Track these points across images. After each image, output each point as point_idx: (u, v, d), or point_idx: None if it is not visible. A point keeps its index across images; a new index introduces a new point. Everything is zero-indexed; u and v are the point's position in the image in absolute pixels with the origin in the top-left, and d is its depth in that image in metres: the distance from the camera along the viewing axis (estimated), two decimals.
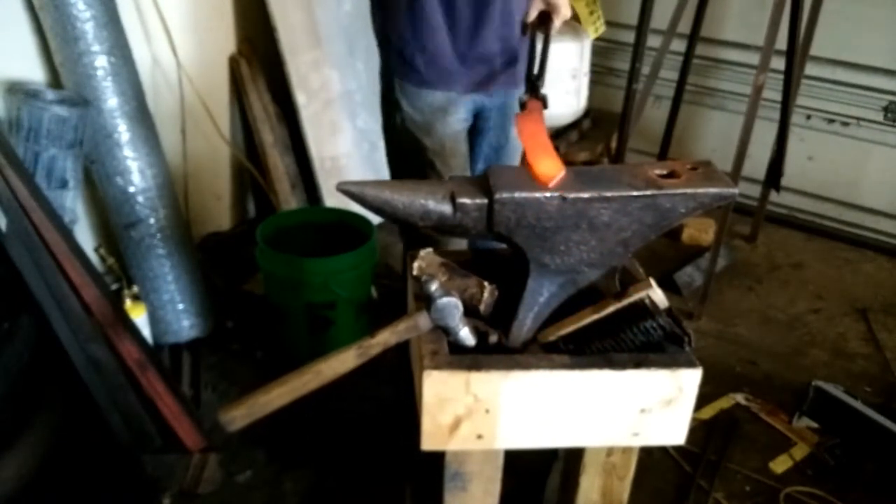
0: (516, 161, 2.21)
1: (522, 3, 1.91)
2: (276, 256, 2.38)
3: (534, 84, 1.64)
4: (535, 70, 1.67)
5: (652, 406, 1.26)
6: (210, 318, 2.60)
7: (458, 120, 2.01)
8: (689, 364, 1.24)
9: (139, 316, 2.32)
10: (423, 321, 1.25)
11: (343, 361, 1.23)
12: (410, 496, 1.97)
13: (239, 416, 1.21)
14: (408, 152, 2.03)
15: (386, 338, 1.25)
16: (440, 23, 1.87)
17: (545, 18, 1.81)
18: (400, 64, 1.94)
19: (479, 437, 1.26)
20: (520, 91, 1.90)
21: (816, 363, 2.72)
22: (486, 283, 1.33)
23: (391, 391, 2.29)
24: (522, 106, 1.59)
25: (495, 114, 2.09)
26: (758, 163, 3.36)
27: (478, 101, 2.04)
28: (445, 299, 1.23)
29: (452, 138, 2.01)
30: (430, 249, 1.43)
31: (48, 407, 1.88)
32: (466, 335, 1.26)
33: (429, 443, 1.26)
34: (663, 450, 2.23)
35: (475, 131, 2.12)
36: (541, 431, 1.27)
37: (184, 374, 2.44)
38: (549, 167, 1.24)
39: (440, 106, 1.96)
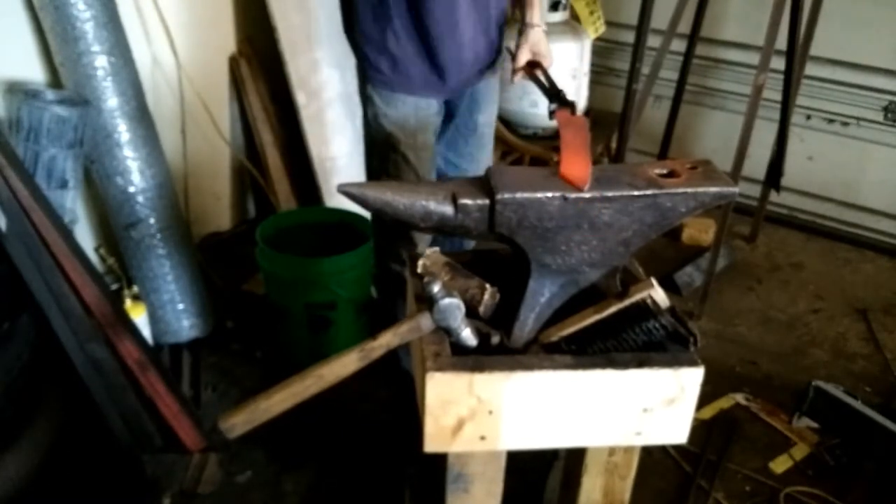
0: (485, 150, 2.21)
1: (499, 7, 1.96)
2: (276, 256, 2.38)
3: (559, 97, 1.67)
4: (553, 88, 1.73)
5: (654, 405, 1.26)
6: (210, 318, 2.59)
7: (432, 114, 2.02)
8: (692, 363, 1.24)
9: (139, 316, 2.32)
10: (425, 322, 1.24)
11: (345, 365, 1.22)
12: (410, 497, 1.97)
13: (239, 423, 1.20)
14: (379, 145, 2.04)
15: (388, 340, 1.24)
16: (409, 30, 1.88)
17: (535, 64, 1.89)
18: (368, 67, 1.96)
19: (482, 438, 1.25)
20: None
21: (816, 363, 2.72)
22: (487, 286, 1.32)
23: (390, 392, 2.30)
24: (551, 114, 1.62)
25: (463, 100, 2.10)
26: (758, 163, 3.36)
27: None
28: (448, 300, 1.22)
29: (425, 132, 2.02)
30: (436, 249, 1.43)
31: (48, 407, 1.87)
32: (468, 336, 1.26)
33: (431, 445, 1.25)
34: (663, 450, 2.23)
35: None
36: (544, 432, 1.27)
37: (184, 374, 2.43)
38: (579, 171, 1.24)
39: (413, 103, 1.97)
